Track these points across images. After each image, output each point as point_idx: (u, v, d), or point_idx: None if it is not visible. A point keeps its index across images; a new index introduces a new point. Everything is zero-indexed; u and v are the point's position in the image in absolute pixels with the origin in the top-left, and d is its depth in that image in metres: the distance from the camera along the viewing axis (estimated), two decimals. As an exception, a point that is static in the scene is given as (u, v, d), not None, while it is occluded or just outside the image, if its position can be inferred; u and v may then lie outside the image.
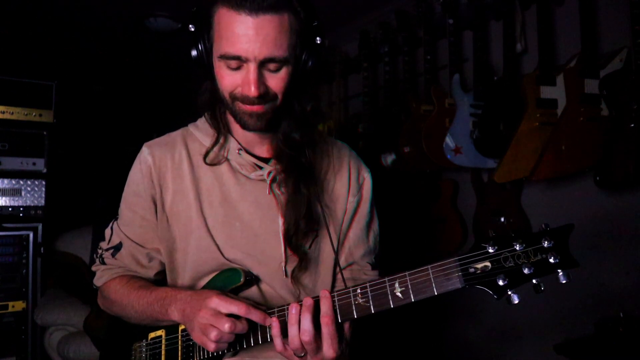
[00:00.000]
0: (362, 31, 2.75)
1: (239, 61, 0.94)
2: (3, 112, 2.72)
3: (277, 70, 0.96)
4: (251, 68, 0.93)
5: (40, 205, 2.81)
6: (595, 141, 1.77)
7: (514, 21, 2.04)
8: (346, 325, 0.93)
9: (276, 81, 0.97)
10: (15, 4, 2.80)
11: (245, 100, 0.96)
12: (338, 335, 0.91)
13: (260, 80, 0.95)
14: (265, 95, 0.96)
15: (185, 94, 4.02)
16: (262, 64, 0.94)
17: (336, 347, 0.90)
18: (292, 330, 0.91)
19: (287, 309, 0.93)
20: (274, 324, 0.93)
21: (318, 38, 0.99)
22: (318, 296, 0.92)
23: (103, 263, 1.20)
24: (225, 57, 0.94)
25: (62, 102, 2.88)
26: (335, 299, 0.92)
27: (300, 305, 0.92)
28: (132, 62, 3.89)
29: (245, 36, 0.91)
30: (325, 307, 0.90)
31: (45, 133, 2.84)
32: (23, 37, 3.32)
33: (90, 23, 3.11)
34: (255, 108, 0.97)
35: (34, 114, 2.80)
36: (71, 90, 3.70)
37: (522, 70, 2.10)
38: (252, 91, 0.94)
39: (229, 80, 0.97)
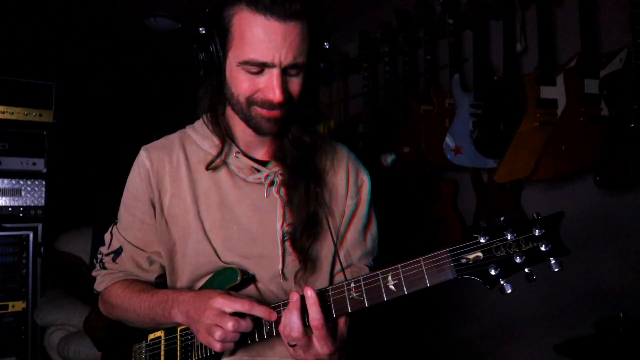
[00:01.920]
0: (362, 31, 2.75)
1: (262, 67, 0.93)
2: (3, 112, 2.73)
3: (296, 75, 0.97)
4: (275, 74, 0.93)
5: (40, 205, 2.82)
6: (595, 141, 1.77)
7: (514, 21, 2.04)
8: (341, 321, 0.93)
9: (295, 86, 0.98)
10: (15, 4, 2.80)
11: (265, 105, 0.96)
12: (331, 333, 0.90)
13: (284, 86, 0.95)
14: (287, 100, 0.96)
15: (185, 94, 4.03)
16: (285, 70, 0.94)
17: (330, 345, 0.89)
18: (284, 318, 0.91)
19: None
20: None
21: (326, 43, 1.01)
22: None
23: (104, 268, 1.20)
24: (248, 64, 0.93)
25: (62, 102, 2.89)
26: (330, 293, 0.91)
27: (301, 295, 0.90)
28: (132, 62, 3.89)
29: (273, 42, 0.91)
30: (313, 311, 0.88)
31: (45, 133, 2.84)
32: (23, 37, 3.32)
33: (90, 23, 3.11)
34: (275, 113, 0.97)
35: (34, 114, 2.80)
36: (71, 90, 3.70)
37: (522, 70, 2.10)
38: (277, 96, 0.94)
39: (249, 85, 0.96)
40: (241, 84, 0.97)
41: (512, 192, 2.15)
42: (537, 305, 2.11)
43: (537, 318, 2.14)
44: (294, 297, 0.90)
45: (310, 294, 0.88)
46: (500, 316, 2.31)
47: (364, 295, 0.88)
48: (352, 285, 0.90)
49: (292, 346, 0.92)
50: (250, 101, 0.97)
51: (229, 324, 0.92)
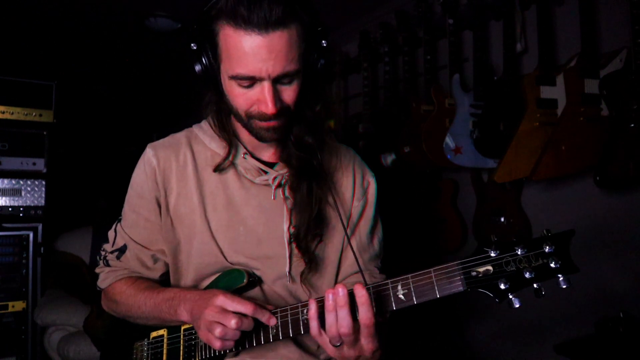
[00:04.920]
0: (362, 31, 2.75)
1: (252, 80, 0.92)
2: (3, 112, 2.72)
3: (290, 83, 0.95)
4: (266, 86, 0.92)
5: (40, 205, 2.81)
6: (595, 141, 1.77)
7: (514, 21, 2.04)
8: (384, 318, 0.90)
9: (289, 93, 0.96)
10: (15, 4, 2.80)
11: (262, 117, 0.96)
12: (377, 330, 0.86)
13: (276, 96, 0.94)
14: (281, 109, 0.95)
15: (185, 94, 4.03)
16: (276, 80, 0.92)
17: (376, 340, 0.86)
18: (330, 317, 0.85)
19: (325, 296, 0.87)
20: (312, 305, 0.88)
21: (324, 41, 0.97)
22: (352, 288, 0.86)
23: (107, 265, 1.20)
24: (237, 78, 0.92)
25: (62, 102, 2.89)
26: (371, 291, 0.88)
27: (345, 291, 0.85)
28: (132, 62, 3.89)
29: (257, 55, 0.88)
30: (364, 310, 0.83)
31: (45, 133, 2.84)
32: (23, 37, 3.32)
33: (90, 23, 3.11)
34: (272, 123, 0.97)
35: (34, 114, 2.80)
36: (71, 90, 3.70)
37: (522, 70, 2.10)
38: (270, 109, 0.93)
39: (244, 99, 0.95)
40: (236, 98, 0.96)
41: (512, 192, 2.16)
42: (537, 306, 2.11)
43: (537, 318, 2.14)
44: (341, 292, 0.84)
45: (362, 293, 0.84)
46: (501, 316, 2.31)
47: (373, 303, 0.87)
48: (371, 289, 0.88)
49: (337, 346, 0.88)
50: (249, 114, 0.97)
51: (232, 322, 0.91)
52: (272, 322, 0.95)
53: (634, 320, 1.73)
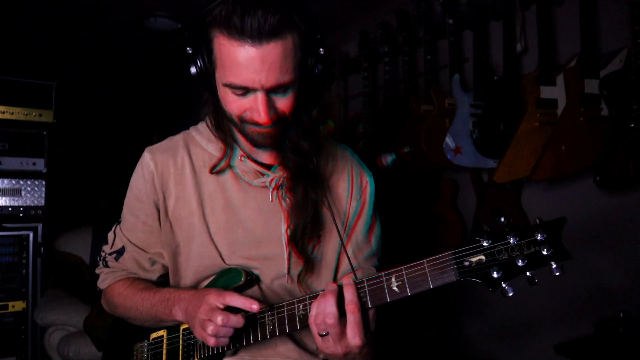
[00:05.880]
0: (362, 31, 2.75)
1: (245, 90, 0.92)
2: (3, 112, 2.73)
3: (284, 92, 0.94)
4: (259, 97, 0.91)
5: (40, 205, 2.82)
6: (595, 141, 1.77)
7: (514, 21, 2.04)
8: (371, 313, 0.91)
9: (284, 102, 0.95)
10: (15, 4, 2.80)
11: (256, 124, 0.96)
12: (364, 324, 0.88)
13: (270, 105, 0.93)
14: (275, 119, 0.95)
15: (185, 94, 4.03)
16: (270, 90, 0.92)
17: (362, 335, 0.87)
18: (319, 306, 0.88)
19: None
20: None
21: (321, 49, 0.96)
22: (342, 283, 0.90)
23: (106, 266, 1.20)
24: (230, 86, 0.92)
25: (62, 102, 2.89)
26: (365, 284, 0.90)
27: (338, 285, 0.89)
28: (132, 62, 3.89)
29: (250, 67, 0.87)
30: (350, 294, 0.87)
31: (45, 133, 2.84)
32: (23, 37, 3.32)
33: (90, 23, 3.11)
34: (267, 130, 0.97)
35: (34, 114, 2.80)
36: (71, 90, 3.70)
37: (522, 70, 2.10)
38: (263, 119, 0.92)
39: (237, 105, 0.95)
40: (230, 104, 0.96)
41: (512, 192, 2.16)
42: (537, 305, 2.11)
43: (537, 318, 2.14)
44: (332, 287, 0.89)
45: (347, 281, 0.88)
46: (501, 316, 2.31)
47: (368, 296, 0.88)
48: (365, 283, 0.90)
49: (323, 336, 0.89)
50: (242, 120, 0.97)
51: (218, 319, 0.93)
52: (255, 308, 0.93)
53: (634, 320, 1.73)
